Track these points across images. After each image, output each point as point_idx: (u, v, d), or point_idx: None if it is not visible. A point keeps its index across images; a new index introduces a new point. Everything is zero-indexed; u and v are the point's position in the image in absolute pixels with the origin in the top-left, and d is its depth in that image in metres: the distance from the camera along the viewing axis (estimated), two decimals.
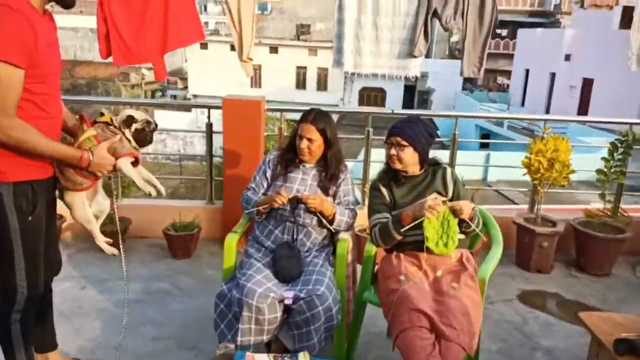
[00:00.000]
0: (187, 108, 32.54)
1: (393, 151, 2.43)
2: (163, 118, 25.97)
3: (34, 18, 1.75)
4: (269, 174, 2.63)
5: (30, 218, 1.89)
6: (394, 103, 29.30)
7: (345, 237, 2.53)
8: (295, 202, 2.43)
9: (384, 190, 2.50)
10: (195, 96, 31.60)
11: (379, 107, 27.48)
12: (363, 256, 2.53)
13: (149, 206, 4.18)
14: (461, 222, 2.28)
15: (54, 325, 2.34)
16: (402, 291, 2.12)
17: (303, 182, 2.56)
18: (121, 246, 2.26)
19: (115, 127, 2.06)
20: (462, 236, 2.36)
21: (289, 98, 29.56)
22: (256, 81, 30.95)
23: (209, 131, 3.92)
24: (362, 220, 3.60)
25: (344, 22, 3.65)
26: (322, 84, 31.36)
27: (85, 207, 2.09)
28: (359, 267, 2.69)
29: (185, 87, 33.79)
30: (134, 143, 2.09)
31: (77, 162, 1.91)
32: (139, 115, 2.11)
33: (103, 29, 3.25)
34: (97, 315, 2.96)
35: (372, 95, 30.91)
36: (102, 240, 2.21)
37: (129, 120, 2.08)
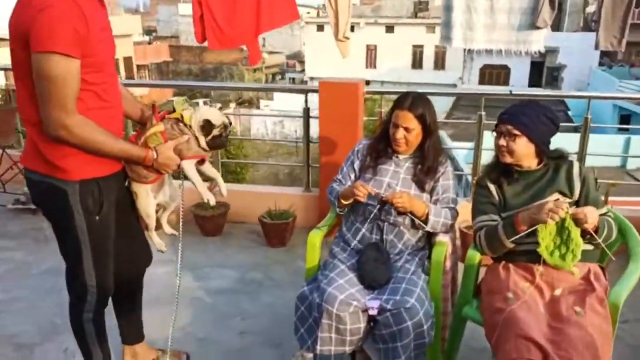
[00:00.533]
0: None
1: (502, 141, 2.04)
2: (280, 99, 26.78)
3: (86, 2, 1.63)
4: (357, 165, 2.38)
5: (97, 217, 1.82)
6: (519, 81, 27.17)
7: (443, 240, 2.20)
8: (381, 201, 2.15)
9: (492, 188, 2.13)
10: (312, 78, 32.02)
11: (500, 87, 25.70)
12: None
13: (248, 192, 4.15)
14: (585, 233, 1.85)
15: (142, 316, 2.32)
16: (510, 312, 1.77)
17: (395, 176, 2.27)
18: (180, 234, 2.15)
19: (185, 125, 1.93)
20: (589, 247, 1.93)
21: (405, 78, 28.78)
22: (371, 62, 30.52)
23: (306, 116, 3.75)
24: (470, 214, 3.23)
25: None
26: (439, 63, 30.05)
27: (148, 200, 2.01)
28: (461, 269, 2.35)
29: (303, 70, 34.40)
30: (203, 144, 1.96)
31: (141, 161, 1.84)
32: (216, 118, 1.95)
33: (198, 12, 3.20)
34: (189, 303, 2.94)
35: (494, 74, 28.91)
36: (155, 236, 2.13)
37: (208, 127, 1.93)
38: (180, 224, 2.13)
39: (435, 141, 2.27)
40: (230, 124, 2.04)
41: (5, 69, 4.85)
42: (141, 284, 2.26)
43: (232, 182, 10.17)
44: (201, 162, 2.02)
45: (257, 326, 2.74)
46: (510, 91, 3.49)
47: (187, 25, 37.96)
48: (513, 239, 1.94)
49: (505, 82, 28.07)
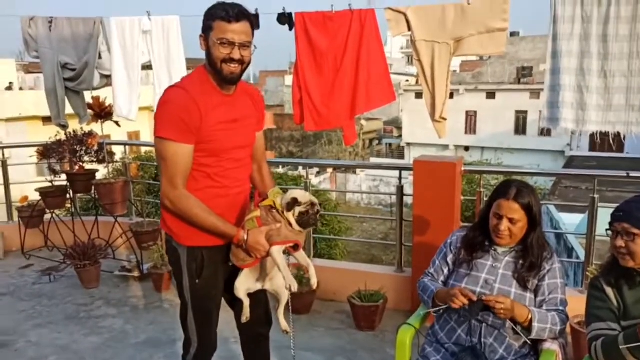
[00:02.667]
0: (400, 155, 33.23)
1: (620, 242, 1.81)
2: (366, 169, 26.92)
3: (207, 99, 1.89)
4: (450, 258, 2.22)
5: (197, 281, 2.03)
6: (636, 147, 25.09)
7: (552, 348, 1.96)
8: (480, 304, 1.96)
9: (609, 291, 1.87)
10: (408, 144, 32.05)
11: (614, 154, 23.83)
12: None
13: (337, 269, 4.09)
14: None
15: None
16: None
17: (493, 271, 2.08)
18: (291, 327, 2.19)
19: (278, 211, 1.97)
20: None
21: (506, 144, 27.77)
22: (471, 127, 29.95)
23: (400, 194, 3.66)
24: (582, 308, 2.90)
25: (559, 71, 3.05)
26: (545, 129, 28.71)
27: (244, 282, 2.08)
28: None
29: (400, 136, 34.56)
30: (296, 227, 1.97)
31: (231, 240, 1.96)
32: (304, 197, 1.99)
33: (297, 96, 3.32)
34: None
35: (607, 140, 27.07)
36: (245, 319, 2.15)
37: (292, 203, 1.97)
38: (290, 315, 2.17)
39: (540, 234, 2.08)
40: (320, 205, 2.04)
41: (125, 144, 5.31)
42: (262, 348, 2.37)
43: (325, 249, 10.18)
44: (296, 247, 2.02)
45: None
46: (627, 173, 3.17)
47: (291, 95, 40.21)
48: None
49: (620, 148, 26.04)
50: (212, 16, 1.86)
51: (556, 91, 3.08)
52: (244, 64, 1.91)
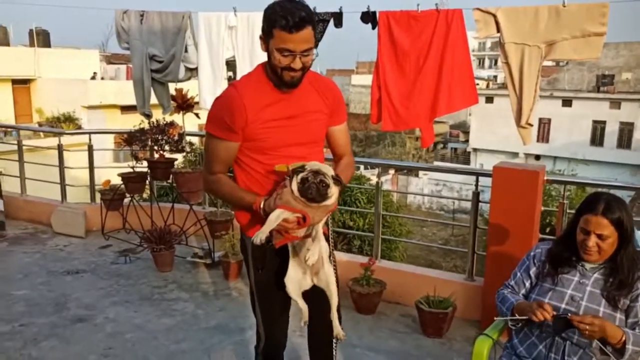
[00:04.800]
0: (465, 160, 32.41)
1: None
2: (438, 172, 26.41)
3: (259, 97, 1.89)
4: (533, 271, 2.13)
5: (260, 271, 2.04)
6: None
7: None
8: (564, 323, 1.87)
9: None
10: (475, 150, 31.19)
11: None
12: None
13: (405, 272, 4.03)
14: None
15: None
16: None
17: (580, 288, 1.98)
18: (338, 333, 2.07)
19: (287, 178, 1.88)
20: None
21: (581, 155, 26.42)
22: (543, 135, 28.72)
23: (476, 201, 3.56)
24: None
25: None
26: (624, 141, 27.09)
27: (292, 277, 1.98)
28: None
29: (467, 140, 33.71)
30: (295, 190, 1.83)
31: (251, 206, 1.93)
32: (311, 165, 1.84)
33: (376, 95, 3.30)
34: None
35: None
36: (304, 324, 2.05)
37: (298, 169, 1.84)
38: (335, 319, 2.05)
39: (632, 250, 1.96)
40: (331, 177, 1.85)
41: (197, 135, 5.47)
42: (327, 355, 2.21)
43: (385, 251, 10.08)
44: (305, 223, 1.85)
45: None
46: None
47: (357, 94, 40.20)
48: None
49: None
50: (272, 22, 1.78)
51: None
52: (305, 69, 1.86)
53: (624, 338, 1.82)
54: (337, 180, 1.85)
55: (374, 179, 4.03)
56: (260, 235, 1.82)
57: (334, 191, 1.86)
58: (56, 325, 3.45)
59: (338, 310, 2.06)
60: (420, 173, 29.31)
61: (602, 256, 1.97)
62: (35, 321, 3.50)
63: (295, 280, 1.98)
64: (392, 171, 27.72)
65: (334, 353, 2.20)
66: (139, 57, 4.46)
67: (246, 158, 1.98)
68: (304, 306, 2.00)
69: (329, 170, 1.86)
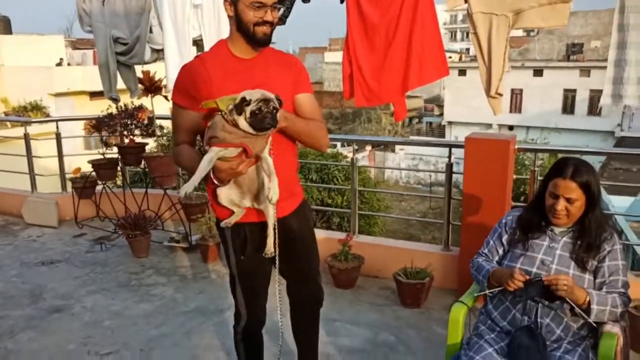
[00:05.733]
0: (441, 134, 32.66)
1: None
2: (413, 146, 26.58)
3: (222, 66, 1.90)
4: (505, 238, 2.17)
5: (242, 257, 2.06)
6: None
7: (612, 330, 1.90)
8: (538, 285, 1.91)
9: None
10: (450, 123, 31.44)
11: None
12: None
13: (383, 246, 4.07)
14: None
15: (317, 351, 2.47)
16: None
17: (549, 252, 2.02)
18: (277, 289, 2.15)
19: (224, 116, 1.78)
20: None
21: (553, 123, 26.89)
22: (516, 106, 29.08)
23: (449, 172, 3.59)
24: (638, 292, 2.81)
25: (625, 45, 2.89)
26: (594, 108, 27.62)
27: (224, 191, 1.92)
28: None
29: (441, 114, 33.94)
30: (244, 126, 1.74)
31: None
32: (253, 94, 1.75)
33: (348, 71, 3.27)
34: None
35: None
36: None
37: (240, 104, 1.73)
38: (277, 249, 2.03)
39: (599, 213, 2.00)
40: (280, 101, 1.79)
41: (167, 118, 5.39)
42: (312, 320, 2.37)
43: (364, 226, 10.15)
44: (246, 154, 1.78)
45: None
46: None
47: (330, 72, 39.91)
48: None
49: None
50: None
51: (621, 66, 2.93)
52: (273, 24, 1.91)
53: (588, 299, 1.87)
54: (279, 100, 1.79)
55: (349, 155, 4.02)
56: (186, 188, 1.77)
57: (279, 114, 1.80)
58: (32, 317, 3.40)
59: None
60: (397, 148, 29.46)
61: (571, 219, 2.01)
62: (10, 314, 3.44)
63: (228, 196, 1.92)
64: (368, 148, 27.79)
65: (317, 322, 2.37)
66: (102, 40, 4.33)
67: None
68: (236, 210, 1.97)
69: (270, 93, 1.77)
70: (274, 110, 1.75)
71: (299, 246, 2.15)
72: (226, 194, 1.92)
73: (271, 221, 1.97)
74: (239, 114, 1.72)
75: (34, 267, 4.24)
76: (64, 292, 3.77)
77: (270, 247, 1.99)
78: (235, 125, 1.74)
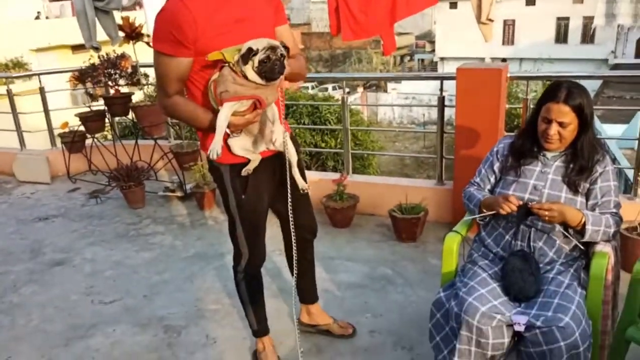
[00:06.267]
0: (433, 70, 32.15)
1: None
2: (407, 82, 26.25)
3: (204, 3, 1.78)
4: (497, 166, 2.16)
5: (243, 197, 2.04)
6: None
7: (604, 250, 1.92)
8: (525, 211, 1.92)
9: None
10: (442, 59, 30.89)
11: None
12: (631, 267, 1.89)
13: (378, 184, 4.08)
14: None
15: (314, 280, 2.55)
16: None
17: (542, 177, 2.02)
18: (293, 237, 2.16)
19: (232, 68, 1.75)
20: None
21: (547, 54, 26.45)
22: (508, 38, 28.51)
23: (441, 105, 3.55)
24: (633, 215, 2.85)
25: None
26: (587, 36, 27.12)
27: (237, 141, 1.95)
28: (622, 279, 2.06)
29: (433, 50, 33.29)
30: (252, 76, 1.74)
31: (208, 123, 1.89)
32: (259, 43, 1.72)
33: (333, 4, 3.16)
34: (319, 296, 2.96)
35: None
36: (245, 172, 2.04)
37: (247, 54, 1.70)
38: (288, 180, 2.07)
39: (591, 136, 1.99)
40: (284, 47, 1.77)
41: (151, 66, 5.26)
42: (307, 252, 2.41)
43: (359, 168, 10.17)
44: (259, 106, 1.79)
45: (386, 326, 2.66)
46: None
47: (318, 11, 38.69)
48: None
49: None
50: None
51: None
52: None
53: (583, 220, 1.89)
54: (285, 47, 1.78)
55: (340, 97, 3.95)
56: (215, 147, 1.79)
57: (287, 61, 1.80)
58: (34, 271, 3.44)
59: (300, 168, 2.12)
60: (389, 88, 29.09)
61: (563, 144, 2.00)
62: (11, 269, 3.48)
63: (241, 144, 1.94)
64: (360, 89, 27.44)
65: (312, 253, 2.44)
66: None
67: (198, 75, 1.88)
68: (253, 158, 1.99)
69: (275, 41, 1.76)
70: (282, 57, 1.74)
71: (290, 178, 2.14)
72: (240, 144, 1.94)
73: (294, 159, 2.05)
74: (246, 64, 1.71)
75: (31, 223, 4.25)
76: (63, 245, 3.80)
77: (301, 182, 2.09)
78: (244, 76, 1.73)
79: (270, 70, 1.72)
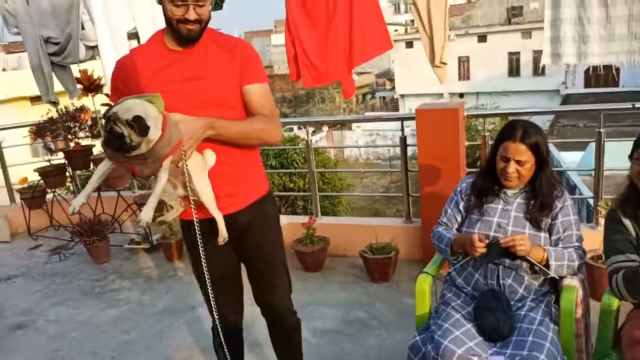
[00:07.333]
0: (395, 107, 32.96)
1: None
2: (367, 122, 26.75)
3: (153, 60, 1.77)
4: (462, 205, 2.20)
5: (190, 253, 2.00)
6: (629, 81, 24.92)
7: (572, 284, 1.96)
8: (496, 248, 1.94)
9: (627, 223, 1.87)
10: (402, 96, 31.73)
11: (609, 88, 23.72)
12: (600, 295, 1.92)
13: (347, 225, 4.10)
14: None
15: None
16: None
17: (504, 214, 2.06)
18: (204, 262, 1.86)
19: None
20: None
21: (501, 87, 27.52)
22: (464, 73, 29.61)
23: (403, 145, 3.62)
24: (597, 244, 2.92)
25: (560, 4, 2.94)
26: (538, 69, 28.41)
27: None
28: (596, 307, 2.08)
29: (393, 88, 34.19)
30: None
31: None
32: (117, 106, 1.55)
33: (292, 52, 3.22)
34: None
35: (602, 75, 26.79)
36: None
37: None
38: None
39: (549, 173, 2.06)
40: (127, 121, 1.51)
41: None
42: (279, 337, 2.20)
43: (329, 207, 10.19)
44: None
45: None
46: (633, 104, 3.12)
47: (279, 54, 39.43)
48: None
49: (615, 83, 25.86)
50: None
51: (557, 25, 2.99)
52: (202, 22, 1.71)
53: (546, 255, 1.93)
54: (133, 124, 1.50)
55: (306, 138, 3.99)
56: (76, 203, 1.66)
57: (136, 139, 1.51)
58: None
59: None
60: (354, 126, 29.57)
61: (522, 181, 2.05)
62: None
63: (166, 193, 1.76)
64: (325, 128, 27.78)
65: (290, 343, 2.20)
66: (32, 42, 4.09)
67: None
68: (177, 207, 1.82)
69: (130, 112, 1.51)
70: (112, 132, 1.50)
71: (251, 245, 1.98)
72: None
73: (204, 197, 1.78)
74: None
75: None
76: (25, 307, 3.63)
77: (220, 228, 1.81)
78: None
79: (105, 142, 1.56)
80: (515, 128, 2.01)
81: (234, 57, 1.81)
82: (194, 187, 1.74)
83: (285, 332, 2.18)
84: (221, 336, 1.99)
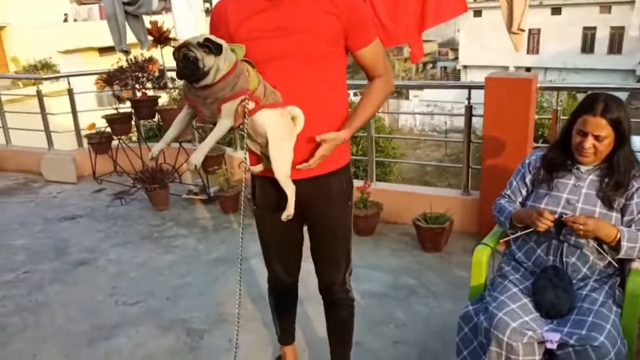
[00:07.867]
0: (456, 78, 31.92)
1: None
2: (429, 90, 26.11)
3: (245, 5, 1.71)
4: (529, 178, 2.11)
5: (254, 207, 1.99)
6: None
7: None
8: (559, 224, 1.86)
9: None
10: (465, 67, 30.66)
11: None
12: None
13: (402, 192, 4.05)
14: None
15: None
16: None
17: (576, 191, 1.97)
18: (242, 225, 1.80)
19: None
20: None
21: (572, 63, 26.05)
22: (533, 47, 28.15)
23: (469, 114, 3.50)
24: None
25: None
26: (615, 46, 26.65)
27: None
28: None
29: (456, 58, 33.06)
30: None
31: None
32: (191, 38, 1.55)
33: None
34: None
35: None
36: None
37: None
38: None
39: (628, 151, 1.94)
40: (198, 44, 1.53)
41: None
42: (332, 311, 2.15)
43: (381, 175, 10.10)
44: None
45: (411, 337, 2.63)
46: None
47: None
48: None
49: None
50: None
51: None
52: None
53: (618, 236, 1.84)
54: (208, 45, 1.49)
55: None
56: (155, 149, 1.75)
57: (209, 62, 1.50)
58: (59, 271, 3.48)
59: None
60: (411, 95, 28.94)
61: (598, 157, 1.95)
62: (38, 268, 3.52)
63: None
64: None
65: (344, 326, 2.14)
66: None
67: None
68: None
69: (201, 37, 1.53)
70: (185, 59, 1.50)
71: (315, 219, 1.92)
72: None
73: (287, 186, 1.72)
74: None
75: (57, 222, 4.32)
76: (88, 245, 3.84)
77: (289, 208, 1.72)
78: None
79: (177, 73, 1.57)
80: (596, 101, 1.89)
81: (338, 17, 1.68)
82: (269, 152, 1.64)
83: (339, 311, 2.12)
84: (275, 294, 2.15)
